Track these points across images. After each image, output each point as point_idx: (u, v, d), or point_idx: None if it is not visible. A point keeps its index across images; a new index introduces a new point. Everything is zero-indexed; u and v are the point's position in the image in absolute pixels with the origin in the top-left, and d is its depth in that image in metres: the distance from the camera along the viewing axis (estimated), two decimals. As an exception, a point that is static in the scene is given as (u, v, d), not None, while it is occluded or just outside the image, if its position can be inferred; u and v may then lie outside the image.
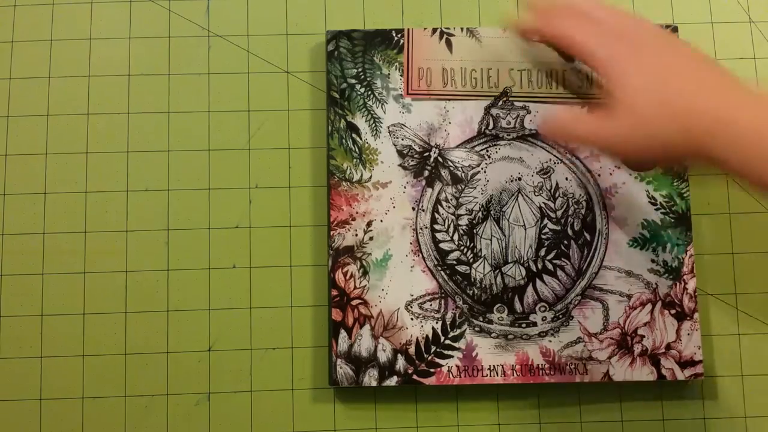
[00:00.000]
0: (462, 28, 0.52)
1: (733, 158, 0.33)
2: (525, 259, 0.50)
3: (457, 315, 0.49)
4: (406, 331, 0.49)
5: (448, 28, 0.52)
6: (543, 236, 0.50)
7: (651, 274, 0.50)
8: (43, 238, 0.51)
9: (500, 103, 0.51)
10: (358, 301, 0.49)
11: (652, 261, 0.50)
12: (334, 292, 0.49)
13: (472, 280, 0.49)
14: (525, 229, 0.50)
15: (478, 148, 0.51)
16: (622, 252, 0.50)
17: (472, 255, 0.50)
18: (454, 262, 0.50)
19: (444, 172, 0.50)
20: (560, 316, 0.49)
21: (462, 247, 0.50)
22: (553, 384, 0.50)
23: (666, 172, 0.51)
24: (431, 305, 0.49)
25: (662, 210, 0.50)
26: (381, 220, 0.50)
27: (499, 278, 0.49)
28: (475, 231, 0.50)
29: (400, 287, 0.49)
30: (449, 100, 0.51)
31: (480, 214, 0.50)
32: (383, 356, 0.48)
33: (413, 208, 0.50)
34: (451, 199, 0.50)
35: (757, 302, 0.52)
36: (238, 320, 0.51)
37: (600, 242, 0.50)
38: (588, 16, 0.39)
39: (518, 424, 0.50)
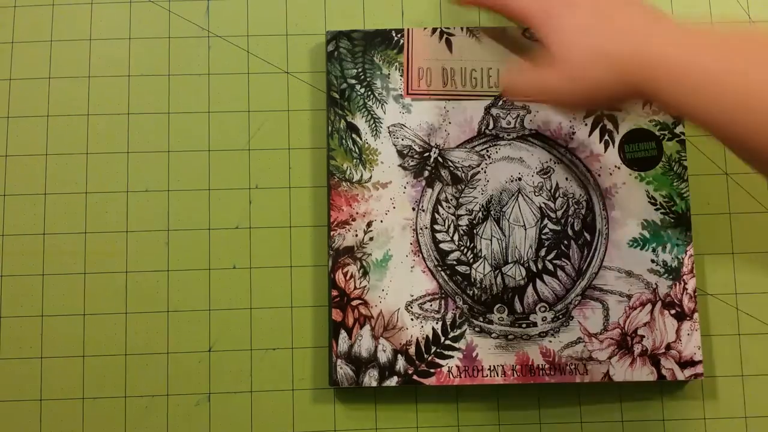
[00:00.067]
0: (462, 28, 0.52)
1: (668, 94, 0.34)
2: (525, 259, 0.50)
3: (457, 315, 0.49)
4: (406, 331, 0.49)
5: (448, 28, 0.52)
6: (543, 236, 0.50)
7: (651, 274, 0.50)
8: (43, 238, 0.51)
9: (500, 103, 0.51)
10: (359, 301, 0.49)
11: (652, 261, 0.50)
12: (335, 293, 0.49)
13: (472, 280, 0.49)
14: (525, 229, 0.50)
15: (478, 148, 0.51)
16: (622, 252, 0.50)
17: (472, 255, 0.50)
18: (455, 263, 0.50)
19: (444, 172, 0.50)
20: (560, 317, 0.49)
21: (462, 248, 0.50)
22: (553, 384, 0.50)
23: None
24: (431, 305, 0.49)
25: (662, 210, 0.50)
26: (381, 221, 0.50)
27: (499, 278, 0.49)
28: (475, 231, 0.50)
29: (401, 287, 0.49)
30: (449, 100, 0.51)
31: (480, 214, 0.50)
32: (383, 356, 0.48)
33: (413, 209, 0.50)
34: (451, 200, 0.50)
35: (757, 302, 0.52)
36: (238, 321, 0.51)
37: (600, 242, 0.50)
38: None
39: (518, 425, 0.50)
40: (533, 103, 0.50)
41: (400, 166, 0.50)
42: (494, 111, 0.51)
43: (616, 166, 0.51)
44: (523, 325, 0.49)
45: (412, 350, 0.48)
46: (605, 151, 0.51)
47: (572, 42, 0.37)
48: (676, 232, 0.50)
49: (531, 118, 0.51)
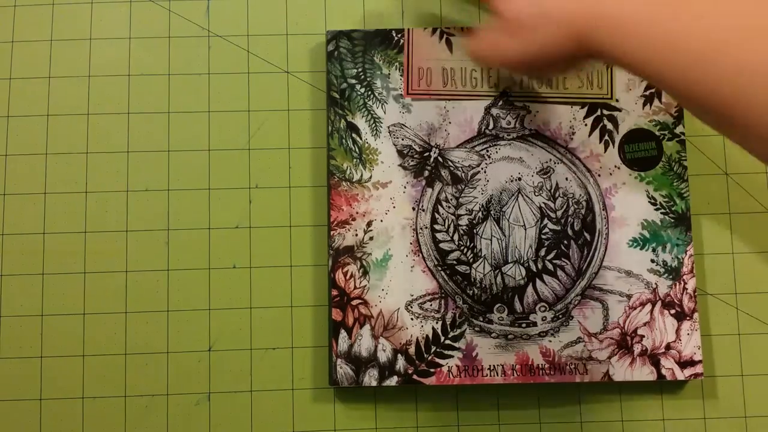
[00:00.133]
0: (462, 28, 0.52)
1: (619, 50, 0.36)
2: (525, 259, 0.50)
3: (457, 315, 0.49)
4: (406, 331, 0.49)
5: (448, 28, 0.52)
6: (543, 236, 0.50)
7: (651, 274, 0.50)
8: (43, 238, 0.51)
9: (500, 103, 0.51)
10: (358, 301, 0.49)
11: (652, 261, 0.50)
12: (334, 292, 0.49)
13: (472, 280, 0.49)
14: (525, 229, 0.50)
15: (478, 148, 0.51)
16: (622, 252, 0.50)
17: (472, 255, 0.50)
18: (454, 262, 0.50)
19: (444, 172, 0.51)
20: (560, 316, 0.49)
21: (462, 247, 0.50)
22: (553, 384, 0.50)
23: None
24: (431, 305, 0.49)
25: (662, 210, 0.50)
26: (381, 220, 0.50)
27: (499, 278, 0.49)
28: (475, 231, 0.50)
29: (400, 287, 0.49)
30: (449, 100, 0.51)
31: (480, 214, 0.50)
32: (383, 356, 0.48)
33: (413, 208, 0.50)
34: (451, 199, 0.50)
35: (757, 302, 0.52)
36: (238, 320, 0.51)
37: (600, 242, 0.50)
38: None
39: (518, 424, 0.50)
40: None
41: (400, 165, 0.50)
42: (494, 111, 0.51)
43: (616, 166, 0.51)
44: (523, 325, 0.49)
45: (412, 350, 0.48)
46: (605, 151, 0.51)
47: (521, 6, 0.40)
48: (676, 232, 0.50)
49: (531, 118, 0.51)
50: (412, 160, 0.51)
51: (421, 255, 0.50)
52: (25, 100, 0.52)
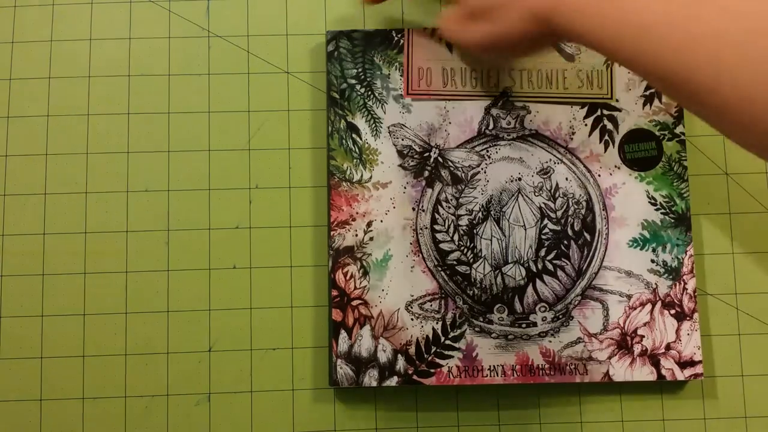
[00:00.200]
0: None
1: (579, 29, 0.37)
2: (525, 259, 0.50)
3: (457, 315, 0.49)
4: (406, 331, 0.49)
5: (448, 29, 0.52)
6: (543, 236, 0.50)
7: (651, 274, 0.50)
8: (43, 238, 0.51)
9: (500, 103, 0.51)
10: (359, 301, 0.49)
11: (652, 261, 0.50)
12: (335, 293, 0.49)
13: (473, 280, 0.49)
14: (525, 230, 0.50)
15: (478, 148, 0.51)
16: (622, 252, 0.50)
17: (472, 255, 0.50)
18: (455, 263, 0.50)
19: (444, 173, 0.51)
20: (560, 317, 0.49)
21: (462, 248, 0.50)
22: (553, 384, 0.50)
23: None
24: (431, 305, 0.49)
25: (662, 210, 0.50)
26: (381, 221, 0.50)
27: (499, 278, 0.49)
28: (475, 231, 0.50)
29: (401, 287, 0.49)
30: (449, 100, 0.51)
31: (480, 214, 0.50)
32: (383, 356, 0.48)
33: (413, 209, 0.50)
34: (451, 200, 0.50)
35: (757, 302, 0.52)
36: (238, 320, 0.51)
37: (600, 242, 0.50)
38: None
39: (518, 425, 0.50)
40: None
41: (400, 166, 0.50)
42: (494, 111, 0.51)
43: (616, 166, 0.51)
44: (523, 325, 0.49)
45: (412, 350, 0.48)
46: (605, 151, 0.51)
47: None
48: (676, 232, 0.50)
49: (531, 119, 0.51)
50: (412, 161, 0.51)
51: (421, 255, 0.50)
52: (25, 100, 0.52)
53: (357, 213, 0.50)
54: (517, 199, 0.50)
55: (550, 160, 0.51)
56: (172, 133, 0.52)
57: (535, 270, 0.50)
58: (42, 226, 0.51)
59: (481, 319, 0.49)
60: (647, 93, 0.52)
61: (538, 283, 0.49)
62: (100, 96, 0.53)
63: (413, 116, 0.51)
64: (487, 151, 0.51)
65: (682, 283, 0.50)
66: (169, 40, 0.53)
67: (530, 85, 0.51)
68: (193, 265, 0.51)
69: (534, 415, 0.50)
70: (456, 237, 0.50)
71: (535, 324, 0.49)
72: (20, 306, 0.50)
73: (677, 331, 0.49)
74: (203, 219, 0.52)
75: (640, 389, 0.51)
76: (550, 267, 0.50)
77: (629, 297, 0.49)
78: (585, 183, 0.51)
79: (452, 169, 0.51)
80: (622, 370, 0.49)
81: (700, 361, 0.49)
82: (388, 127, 0.51)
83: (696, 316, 0.49)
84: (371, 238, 0.50)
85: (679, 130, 0.51)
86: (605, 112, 0.51)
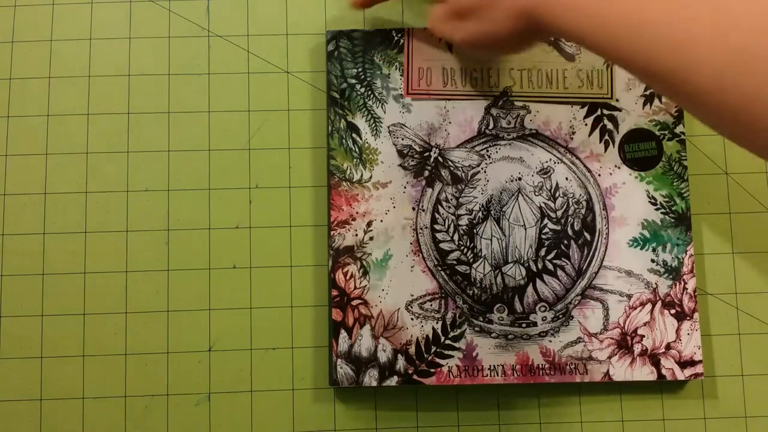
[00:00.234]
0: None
1: (564, 25, 0.38)
2: (525, 259, 0.50)
3: (457, 315, 0.49)
4: (406, 331, 0.49)
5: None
6: (543, 236, 0.50)
7: (651, 274, 0.50)
8: (43, 238, 0.51)
9: (500, 103, 0.51)
10: (359, 301, 0.49)
11: (652, 261, 0.50)
12: (335, 292, 0.49)
13: (473, 280, 0.49)
14: (525, 229, 0.50)
15: (478, 148, 0.51)
16: (622, 252, 0.50)
17: (472, 255, 0.50)
18: (455, 262, 0.50)
19: (444, 172, 0.51)
20: (560, 316, 0.49)
21: (462, 247, 0.50)
22: (553, 384, 0.50)
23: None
24: (431, 305, 0.49)
25: (662, 210, 0.50)
26: (381, 220, 0.50)
27: (499, 278, 0.49)
28: (475, 231, 0.50)
29: (401, 287, 0.49)
30: (449, 100, 0.51)
31: (480, 214, 0.50)
32: (383, 356, 0.48)
33: (413, 208, 0.50)
34: (451, 199, 0.50)
35: (757, 302, 0.52)
36: (238, 320, 0.51)
37: (600, 242, 0.50)
38: None
39: (518, 424, 0.50)
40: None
41: (400, 165, 0.50)
42: (494, 111, 0.51)
43: (616, 166, 0.51)
44: (523, 325, 0.49)
45: (412, 350, 0.48)
46: (605, 151, 0.51)
47: None
48: (676, 231, 0.50)
49: (531, 118, 0.51)
50: (412, 160, 0.51)
51: (421, 255, 0.50)
52: (25, 100, 0.52)
53: (357, 213, 0.50)
54: (517, 199, 0.50)
55: (550, 159, 0.51)
56: (172, 133, 0.52)
57: (535, 270, 0.50)
58: (42, 226, 0.51)
59: (481, 319, 0.49)
60: (647, 93, 0.52)
61: (538, 282, 0.49)
62: (100, 96, 0.53)
63: (413, 116, 0.51)
64: (487, 151, 0.51)
65: (682, 282, 0.50)
66: (169, 40, 0.53)
67: (530, 85, 0.51)
68: (193, 265, 0.51)
69: (534, 415, 0.50)
70: (456, 237, 0.50)
71: (535, 324, 0.49)
72: (20, 306, 0.50)
73: (677, 330, 0.49)
74: (203, 219, 0.52)
75: (640, 389, 0.51)
76: (550, 267, 0.50)
77: (629, 297, 0.49)
78: (585, 183, 0.51)
79: (452, 168, 0.51)
80: (622, 370, 0.49)
81: (700, 361, 0.49)
82: (388, 127, 0.51)
83: (696, 315, 0.49)
84: (371, 238, 0.50)
85: (679, 129, 0.51)
86: (605, 111, 0.51)
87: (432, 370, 0.48)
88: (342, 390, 0.50)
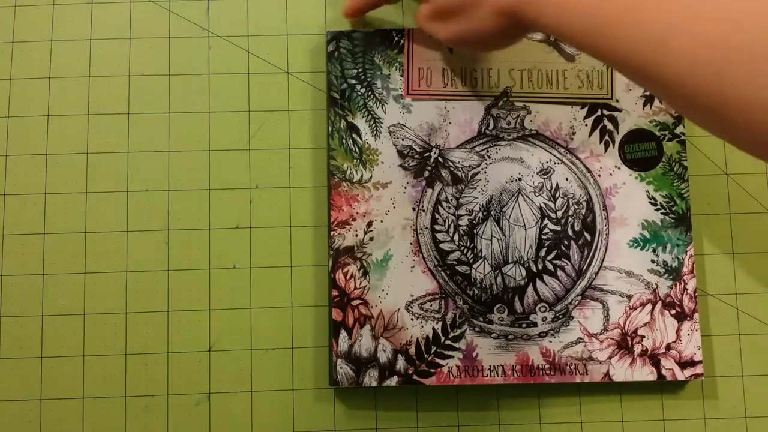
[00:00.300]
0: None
1: (546, 21, 0.38)
2: (525, 259, 0.50)
3: (457, 315, 0.49)
4: (406, 331, 0.49)
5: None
6: (543, 236, 0.50)
7: (651, 275, 0.50)
8: (43, 238, 0.51)
9: (500, 103, 0.51)
10: (359, 301, 0.49)
11: (652, 261, 0.50)
12: (335, 293, 0.49)
13: (473, 280, 0.49)
14: (525, 230, 0.50)
15: (478, 149, 0.51)
16: (622, 252, 0.50)
17: (472, 255, 0.50)
18: (455, 263, 0.50)
19: (444, 173, 0.51)
20: (560, 317, 0.49)
21: (462, 248, 0.50)
22: (553, 384, 0.50)
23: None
24: (431, 305, 0.49)
25: (662, 210, 0.50)
26: (381, 221, 0.50)
27: (499, 278, 0.49)
28: (475, 231, 0.50)
29: (401, 287, 0.49)
30: (449, 100, 0.51)
31: (480, 214, 0.50)
32: (383, 356, 0.48)
33: (413, 209, 0.50)
34: (452, 200, 0.50)
35: (757, 302, 0.52)
36: (238, 320, 0.51)
37: (600, 242, 0.50)
38: None
39: (518, 424, 0.50)
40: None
41: (400, 166, 0.50)
42: (494, 111, 0.51)
43: (616, 167, 0.51)
44: (523, 325, 0.49)
45: (412, 350, 0.48)
46: (605, 151, 0.51)
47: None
48: (676, 232, 0.50)
49: (531, 119, 0.51)
50: (412, 161, 0.51)
51: (421, 255, 0.50)
52: (25, 100, 0.52)
53: (357, 213, 0.50)
54: (517, 199, 0.50)
55: (551, 160, 0.51)
56: (172, 133, 0.52)
57: (535, 270, 0.50)
58: (42, 226, 0.51)
59: (481, 319, 0.49)
60: (647, 93, 0.52)
61: (538, 283, 0.49)
62: (100, 96, 0.53)
63: (413, 116, 0.51)
64: (488, 151, 0.51)
65: (683, 283, 0.50)
66: (169, 40, 0.53)
67: (530, 86, 0.51)
68: (193, 265, 0.51)
69: (534, 415, 0.50)
70: (456, 237, 0.50)
71: (535, 324, 0.49)
72: (20, 306, 0.50)
73: (677, 331, 0.49)
74: (203, 219, 0.52)
75: (640, 389, 0.51)
76: (551, 267, 0.50)
77: (629, 297, 0.49)
78: (585, 183, 0.51)
79: (452, 169, 0.51)
80: (622, 370, 0.49)
81: (700, 361, 0.49)
82: (389, 127, 0.51)
83: (696, 316, 0.49)
84: (371, 238, 0.50)
85: (679, 130, 0.51)
86: (605, 112, 0.51)
87: (432, 371, 0.48)
88: (342, 390, 0.50)
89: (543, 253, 0.50)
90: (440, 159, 0.51)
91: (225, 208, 0.52)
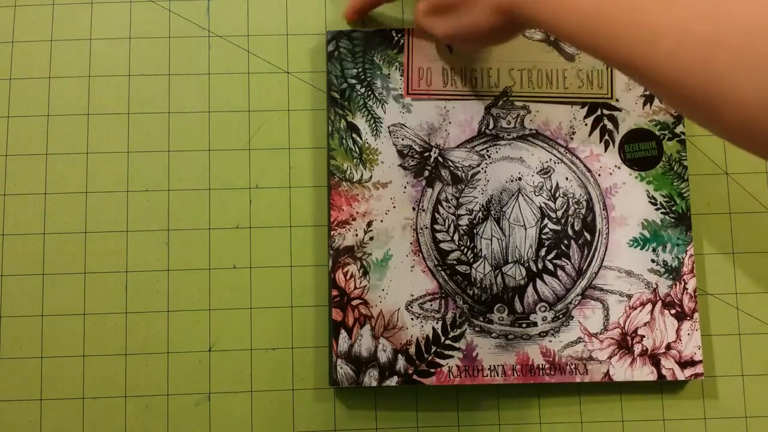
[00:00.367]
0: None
1: (540, 17, 0.39)
2: (525, 259, 0.50)
3: (457, 315, 0.49)
4: (406, 331, 0.49)
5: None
6: (543, 236, 0.50)
7: (651, 274, 0.50)
8: (43, 238, 0.51)
9: (500, 102, 0.51)
10: (359, 301, 0.49)
11: (652, 261, 0.50)
12: (335, 292, 0.49)
13: (473, 280, 0.49)
14: (525, 229, 0.50)
15: (478, 148, 0.51)
16: (623, 252, 0.50)
17: (472, 255, 0.50)
18: (455, 262, 0.50)
19: (444, 172, 0.51)
20: (560, 316, 0.49)
21: (462, 247, 0.50)
22: (553, 384, 0.50)
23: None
24: (431, 305, 0.49)
25: (662, 210, 0.50)
26: (381, 220, 0.50)
27: (499, 278, 0.49)
28: (475, 231, 0.50)
29: (401, 287, 0.49)
30: (449, 100, 0.51)
31: (480, 214, 0.50)
32: (383, 356, 0.48)
33: (413, 208, 0.50)
34: (452, 199, 0.50)
35: (757, 302, 0.52)
36: (238, 320, 0.51)
37: (600, 242, 0.50)
38: None
39: (518, 424, 0.50)
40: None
41: (400, 165, 0.50)
42: (494, 111, 0.51)
43: (616, 166, 0.51)
44: (523, 325, 0.49)
45: (412, 350, 0.48)
46: (605, 150, 0.51)
47: None
48: (676, 232, 0.50)
49: (531, 118, 0.51)
50: (412, 160, 0.51)
51: (421, 255, 0.50)
52: (25, 100, 0.52)
53: (357, 213, 0.50)
54: (517, 199, 0.50)
55: (551, 159, 0.51)
56: (172, 133, 0.52)
57: (535, 270, 0.50)
58: (42, 226, 0.51)
59: (481, 319, 0.49)
60: (647, 93, 0.52)
61: (539, 282, 0.49)
62: (100, 96, 0.53)
63: (413, 116, 0.51)
64: (487, 151, 0.51)
65: (683, 282, 0.50)
66: (169, 40, 0.53)
67: (530, 85, 0.51)
68: (193, 265, 0.51)
69: (534, 415, 0.50)
70: (456, 237, 0.50)
71: (535, 324, 0.49)
72: (20, 305, 0.50)
73: (677, 330, 0.49)
74: (203, 219, 0.52)
75: (640, 389, 0.51)
76: (551, 267, 0.50)
77: (629, 297, 0.49)
78: (585, 183, 0.51)
79: (452, 168, 0.51)
80: (622, 370, 0.49)
81: (700, 361, 0.49)
82: (389, 127, 0.51)
83: (696, 316, 0.49)
84: (371, 238, 0.50)
85: (679, 129, 0.51)
86: (605, 111, 0.51)
87: (432, 370, 0.48)
88: (342, 390, 0.50)
89: (543, 252, 0.50)
90: (440, 159, 0.51)
91: (225, 208, 0.52)
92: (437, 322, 0.49)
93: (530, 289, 0.49)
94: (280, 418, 0.50)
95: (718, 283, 0.52)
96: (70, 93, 0.53)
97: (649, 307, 0.49)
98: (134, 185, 0.52)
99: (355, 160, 0.50)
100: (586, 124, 0.51)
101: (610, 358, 0.49)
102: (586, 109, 0.51)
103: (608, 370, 0.48)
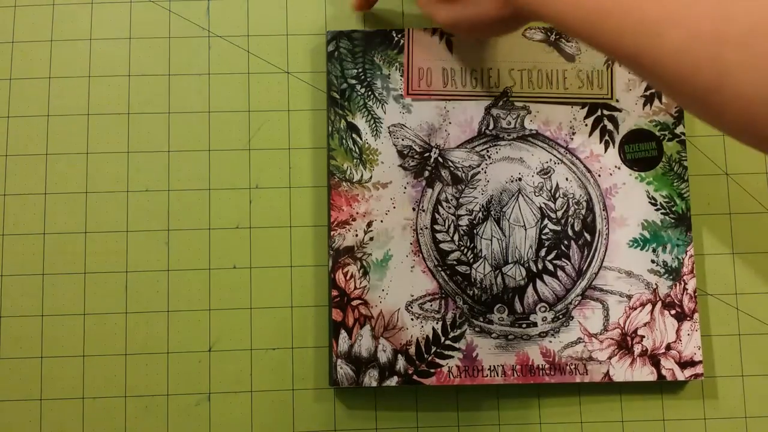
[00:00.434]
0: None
1: (544, 10, 0.39)
2: (525, 259, 0.50)
3: (457, 315, 0.49)
4: (406, 331, 0.49)
5: (448, 29, 0.52)
6: (543, 236, 0.50)
7: (651, 275, 0.50)
8: (43, 238, 0.51)
9: (500, 103, 0.51)
10: (359, 301, 0.49)
11: (652, 261, 0.50)
12: (335, 293, 0.49)
13: (473, 280, 0.49)
14: (525, 230, 0.50)
15: (478, 149, 0.51)
16: (623, 252, 0.50)
17: (472, 255, 0.50)
18: (455, 263, 0.50)
19: (444, 173, 0.50)
20: (560, 317, 0.49)
21: (462, 248, 0.50)
22: (553, 384, 0.50)
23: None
24: (431, 305, 0.49)
25: (662, 210, 0.50)
26: (381, 221, 0.50)
27: (499, 278, 0.49)
28: (475, 231, 0.50)
29: (401, 287, 0.49)
30: (449, 100, 0.51)
31: (480, 214, 0.50)
32: (383, 356, 0.48)
33: (413, 209, 0.50)
34: (452, 200, 0.50)
35: (757, 302, 0.52)
36: (238, 320, 0.51)
37: (600, 242, 0.50)
38: None
39: (518, 424, 0.50)
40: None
41: (400, 166, 0.50)
42: (494, 111, 0.51)
43: (616, 167, 0.51)
44: (523, 325, 0.49)
45: (412, 350, 0.48)
46: (605, 151, 0.51)
47: None
48: (676, 232, 0.50)
49: (531, 119, 0.51)
50: (412, 161, 0.51)
51: (421, 255, 0.50)
52: (25, 100, 0.52)
53: (357, 213, 0.50)
54: (517, 199, 0.50)
55: (551, 160, 0.51)
56: (172, 133, 0.52)
57: (535, 270, 0.50)
58: (42, 226, 0.51)
59: (481, 319, 0.49)
60: (647, 93, 0.52)
61: (539, 283, 0.49)
62: (100, 96, 0.53)
63: (413, 116, 0.51)
64: (488, 151, 0.51)
65: (683, 283, 0.50)
66: (169, 40, 0.53)
67: (530, 85, 0.51)
68: (193, 265, 0.51)
69: (534, 415, 0.50)
70: (456, 237, 0.50)
71: (535, 324, 0.49)
72: (20, 305, 0.50)
73: (677, 331, 0.49)
74: (203, 219, 0.52)
75: (640, 389, 0.51)
76: (551, 267, 0.50)
77: (629, 297, 0.49)
78: (585, 183, 0.51)
79: (452, 169, 0.51)
80: (622, 370, 0.49)
81: (700, 361, 0.49)
82: (389, 127, 0.51)
83: (696, 316, 0.49)
84: (371, 238, 0.50)
85: (679, 130, 0.51)
86: (605, 112, 0.51)
87: (432, 371, 0.48)
88: (342, 390, 0.50)
89: (543, 253, 0.50)
90: (440, 159, 0.51)
91: (225, 208, 0.52)
92: (437, 323, 0.49)
93: (530, 289, 0.49)
94: (280, 418, 0.50)
95: (718, 284, 0.52)
96: (70, 93, 0.53)
97: (649, 307, 0.49)
98: (134, 185, 0.52)
99: (355, 160, 0.50)
100: (586, 125, 0.51)
101: (610, 358, 0.49)
102: (586, 109, 0.51)
103: (608, 371, 0.49)
